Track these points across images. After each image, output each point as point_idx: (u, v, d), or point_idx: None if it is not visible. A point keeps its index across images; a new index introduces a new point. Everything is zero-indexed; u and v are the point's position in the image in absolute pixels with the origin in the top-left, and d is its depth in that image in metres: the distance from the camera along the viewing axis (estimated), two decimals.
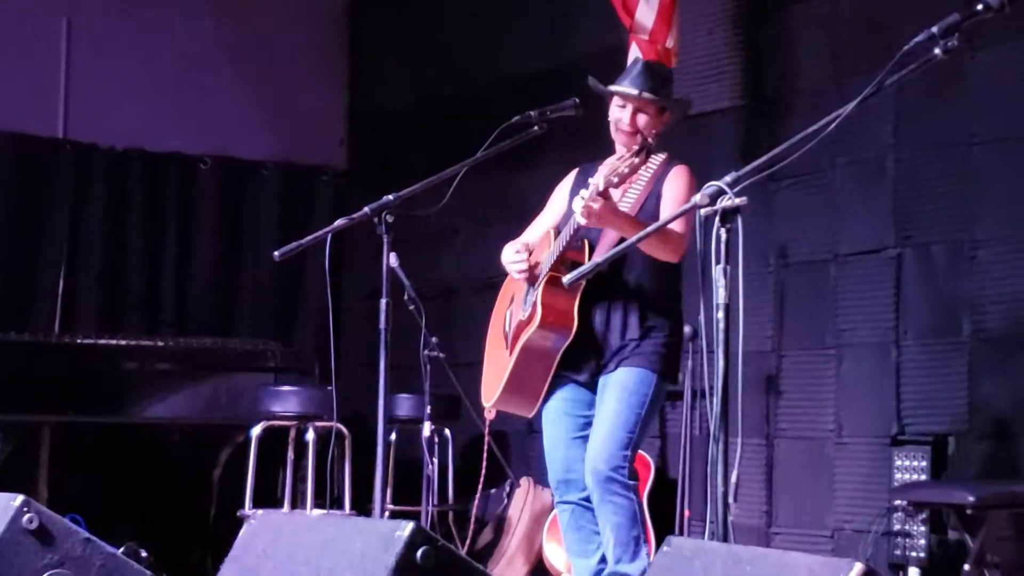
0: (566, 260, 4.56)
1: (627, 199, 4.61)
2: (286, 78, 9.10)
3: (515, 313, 4.73)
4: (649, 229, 3.90)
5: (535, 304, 4.54)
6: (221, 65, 8.91)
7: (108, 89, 8.53)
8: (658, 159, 4.68)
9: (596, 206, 4.31)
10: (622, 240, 4.47)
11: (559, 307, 4.52)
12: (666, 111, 4.73)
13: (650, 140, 4.50)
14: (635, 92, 4.67)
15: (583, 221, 4.36)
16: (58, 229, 8.41)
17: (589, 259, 4.53)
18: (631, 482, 4.51)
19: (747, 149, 6.54)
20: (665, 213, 4.53)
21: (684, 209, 3.51)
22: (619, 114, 4.71)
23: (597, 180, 4.33)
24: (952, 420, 5.74)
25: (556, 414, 4.68)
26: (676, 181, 4.64)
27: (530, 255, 4.70)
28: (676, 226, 4.45)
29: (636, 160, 4.36)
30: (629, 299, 4.59)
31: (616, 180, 4.34)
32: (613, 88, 4.73)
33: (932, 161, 5.92)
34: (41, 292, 8.33)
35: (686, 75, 6.74)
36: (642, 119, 4.68)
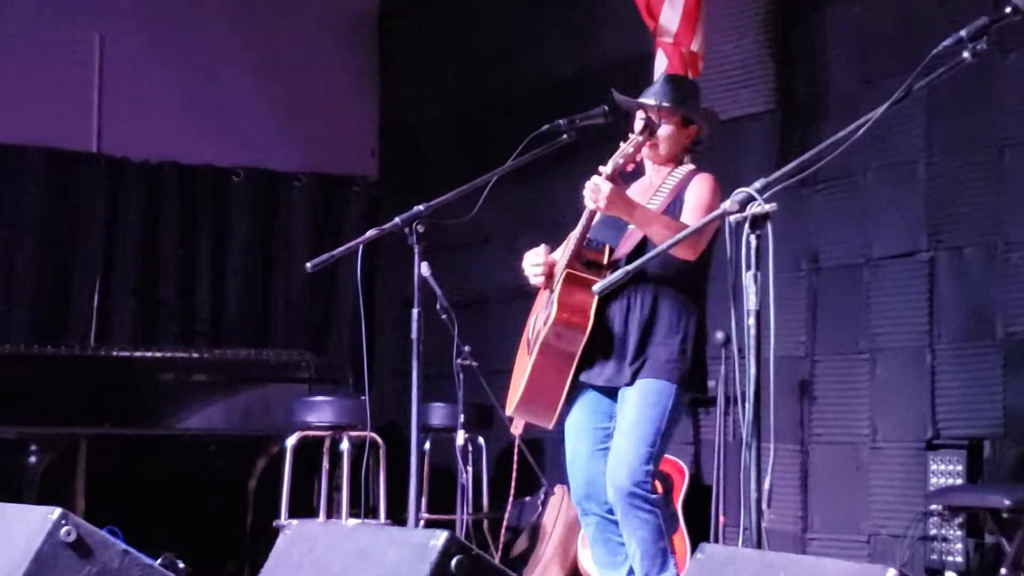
0: (583, 257, 4.55)
1: (651, 205, 4.60)
2: (317, 90, 9.14)
3: (538, 319, 4.72)
4: (677, 237, 3.90)
5: (552, 302, 4.53)
6: (252, 77, 8.96)
7: (141, 103, 8.59)
8: (684, 169, 4.69)
9: (604, 189, 4.33)
10: (644, 244, 4.49)
11: (575, 304, 4.48)
12: (691, 124, 4.72)
13: (658, 128, 4.57)
14: (653, 102, 4.68)
15: (592, 205, 4.39)
16: (93, 242, 8.47)
17: (608, 261, 4.53)
18: (654, 496, 4.47)
19: (779, 153, 6.53)
20: (686, 212, 4.55)
21: (714, 215, 3.51)
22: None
23: (606, 166, 4.39)
24: (987, 423, 5.72)
25: (577, 427, 4.65)
26: (699, 185, 4.63)
27: (550, 267, 4.70)
28: (694, 223, 4.44)
29: (640, 138, 4.39)
30: (648, 300, 4.55)
31: (622, 161, 4.39)
32: (635, 100, 4.75)
33: (964, 164, 5.90)
34: (77, 305, 8.39)
35: (717, 80, 6.74)
36: (664, 130, 4.67)
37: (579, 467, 4.66)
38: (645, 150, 4.63)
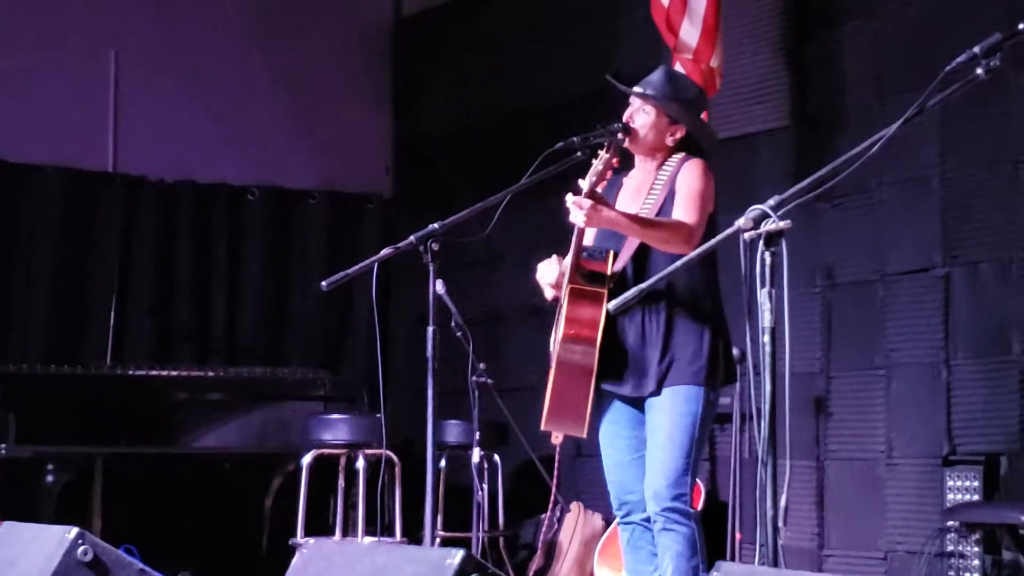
0: (583, 270, 4.54)
1: (648, 203, 4.57)
2: (331, 107, 9.16)
3: (555, 333, 4.72)
4: (690, 256, 3.88)
5: (560, 319, 4.53)
6: (267, 95, 8.98)
7: (156, 122, 8.61)
8: (674, 160, 4.63)
9: (584, 207, 4.34)
10: (644, 249, 4.50)
11: (583, 318, 4.48)
12: (677, 123, 4.66)
13: (634, 132, 4.55)
14: (639, 89, 4.64)
15: (580, 223, 4.39)
16: (109, 261, 8.48)
17: (611, 271, 4.52)
18: (691, 510, 4.47)
19: (794, 169, 6.54)
20: (679, 203, 4.50)
21: (726, 234, 3.48)
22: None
23: (583, 183, 4.38)
24: (1004, 439, 5.71)
25: (610, 437, 4.65)
26: (688, 173, 4.57)
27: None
28: (686, 217, 4.44)
29: (607, 155, 4.38)
30: (662, 307, 4.53)
31: (595, 179, 4.36)
32: (620, 85, 4.72)
33: (979, 179, 5.90)
34: (93, 324, 8.40)
35: (731, 97, 6.75)
36: (640, 119, 4.63)
37: (615, 476, 4.66)
38: (631, 143, 4.60)
